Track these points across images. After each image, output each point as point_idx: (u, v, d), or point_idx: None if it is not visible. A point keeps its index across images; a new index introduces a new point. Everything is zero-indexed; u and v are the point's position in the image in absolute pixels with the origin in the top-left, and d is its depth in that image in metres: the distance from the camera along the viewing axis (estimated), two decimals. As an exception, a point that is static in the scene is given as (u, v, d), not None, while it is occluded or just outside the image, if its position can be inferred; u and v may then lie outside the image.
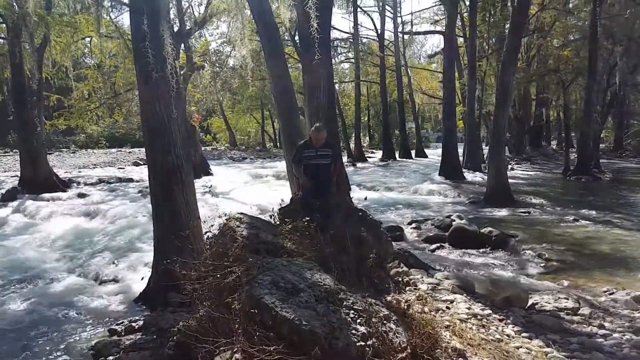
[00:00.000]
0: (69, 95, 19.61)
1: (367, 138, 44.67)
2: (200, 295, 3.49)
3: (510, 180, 13.35)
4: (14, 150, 26.84)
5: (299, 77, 21.13)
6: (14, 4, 13.56)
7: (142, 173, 19.26)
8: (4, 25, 14.95)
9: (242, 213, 4.64)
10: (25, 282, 7.04)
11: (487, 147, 19.27)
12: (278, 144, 40.87)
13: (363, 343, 2.84)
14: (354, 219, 5.04)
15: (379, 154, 32.64)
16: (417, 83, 35.88)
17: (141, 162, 24.17)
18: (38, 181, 15.22)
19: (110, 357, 4.22)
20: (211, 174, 19.89)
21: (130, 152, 31.54)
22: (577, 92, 26.38)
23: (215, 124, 43.27)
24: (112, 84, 19.47)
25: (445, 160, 19.21)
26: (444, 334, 3.68)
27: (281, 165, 21.88)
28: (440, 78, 26.00)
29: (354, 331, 2.90)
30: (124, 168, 22.86)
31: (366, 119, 41.87)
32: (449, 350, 3.33)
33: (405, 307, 3.62)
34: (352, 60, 31.69)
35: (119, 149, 34.63)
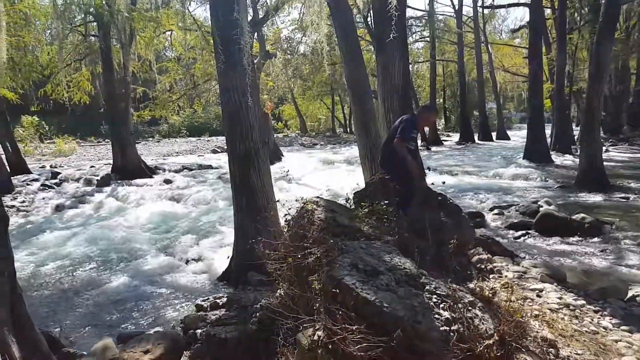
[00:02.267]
0: (152, 88, 20.88)
1: (443, 120, 43.09)
2: (281, 275, 3.57)
3: (605, 163, 12.22)
4: (105, 140, 29.15)
5: (372, 59, 20.79)
6: (104, 2, 14.57)
7: (220, 160, 20.16)
8: (96, 23, 16.15)
9: (318, 197, 4.66)
10: (121, 260, 7.66)
11: (578, 128, 17.79)
12: (348, 129, 40.75)
13: (447, 328, 2.75)
14: (433, 203, 4.87)
15: (455, 137, 31.39)
16: (498, 60, 33.75)
17: (219, 150, 25.25)
18: (128, 168, 16.33)
19: (198, 331, 4.45)
20: (283, 160, 20.34)
21: (208, 141, 33.04)
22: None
23: (286, 111, 44.06)
24: (191, 76, 20.42)
25: (530, 142, 17.93)
26: (533, 323, 3.49)
27: (352, 151, 21.83)
28: (525, 54, 24.28)
29: (437, 316, 2.82)
30: (203, 155, 24.00)
31: (441, 100, 40.33)
32: (539, 340, 3.16)
33: (491, 294, 3.47)
34: (427, 39, 30.55)
35: (198, 138, 36.42)
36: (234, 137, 6.19)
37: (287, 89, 32.56)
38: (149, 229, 9.78)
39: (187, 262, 7.36)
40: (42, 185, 14.41)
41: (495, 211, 9.41)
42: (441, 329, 2.73)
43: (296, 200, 4.61)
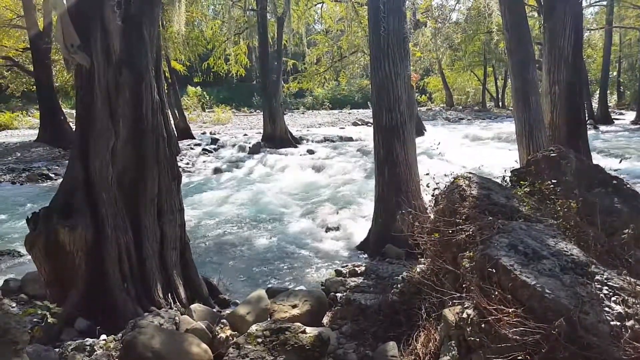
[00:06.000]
0: (301, 60, 21.76)
1: (615, 96, 37.16)
2: (426, 249, 3.50)
3: None
4: (257, 110, 31.48)
5: (535, 26, 18.78)
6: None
7: (360, 133, 20.38)
8: (254, -1, 17.26)
9: (470, 172, 4.41)
10: (269, 221, 8.35)
11: None
12: (500, 103, 37.69)
13: (619, 323, 2.47)
14: (607, 187, 4.27)
15: (630, 115, 26.75)
16: (697, 25, 27.50)
17: (359, 123, 25.51)
18: (276, 137, 17.55)
19: (338, 294, 4.64)
20: (425, 135, 19.68)
21: (349, 113, 33.50)
22: None
23: (431, 84, 42.14)
24: (338, 48, 20.77)
25: None
26: None
27: (503, 127, 20.13)
28: None
29: (607, 309, 2.54)
30: (344, 128, 24.47)
31: (615, 73, 34.66)
32: None
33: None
34: (603, 3, 26.22)
35: (340, 110, 37.11)
36: (381, 108, 6.17)
37: (435, 59, 31.04)
38: (292, 195, 10.43)
39: (326, 229, 7.68)
40: (203, 149, 16.42)
41: (681, 204, 7.89)
42: (612, 323, 2.48)
43: (445, 175, 4.45)
